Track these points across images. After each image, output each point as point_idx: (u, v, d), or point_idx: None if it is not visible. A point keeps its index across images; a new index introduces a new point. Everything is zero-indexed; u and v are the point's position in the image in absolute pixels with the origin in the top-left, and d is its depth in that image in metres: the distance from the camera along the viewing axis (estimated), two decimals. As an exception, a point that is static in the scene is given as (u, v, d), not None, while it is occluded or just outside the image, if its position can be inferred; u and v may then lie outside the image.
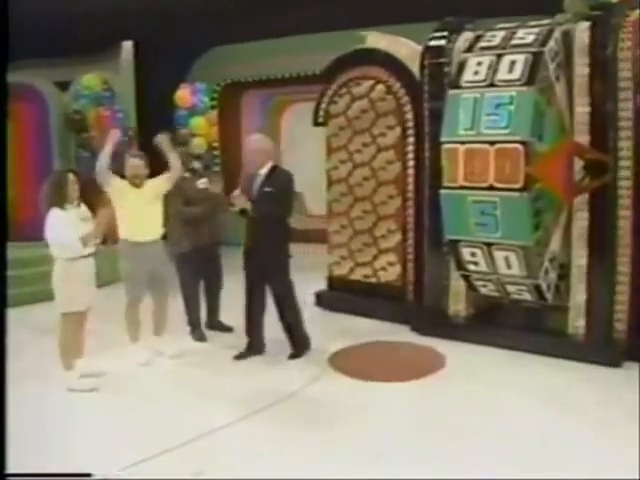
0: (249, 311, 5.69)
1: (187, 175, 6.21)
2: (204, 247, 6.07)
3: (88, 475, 3.59)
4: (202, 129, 10.50)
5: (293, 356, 5.70)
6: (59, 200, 4.89)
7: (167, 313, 5.86)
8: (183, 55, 10.96)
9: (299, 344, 5.75)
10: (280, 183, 5.47)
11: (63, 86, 9.86)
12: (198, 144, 10.43)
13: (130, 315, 5.67)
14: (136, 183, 5.58)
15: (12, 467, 3.48)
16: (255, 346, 5.74)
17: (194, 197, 6.04)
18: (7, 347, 4.20)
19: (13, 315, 5.45)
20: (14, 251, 6.28)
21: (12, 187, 8.20)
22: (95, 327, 5.38)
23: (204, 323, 6.43)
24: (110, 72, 10.22)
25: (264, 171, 5.49)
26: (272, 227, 5.44)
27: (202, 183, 6.23)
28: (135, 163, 5.62)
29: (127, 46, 10.73)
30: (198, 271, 6.20)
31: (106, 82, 9.92)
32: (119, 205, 5.52)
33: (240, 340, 5.81)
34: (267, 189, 5.41)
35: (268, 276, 5.57)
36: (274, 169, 5.52)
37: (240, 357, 5.69)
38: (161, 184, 5.71)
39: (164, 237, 5.90)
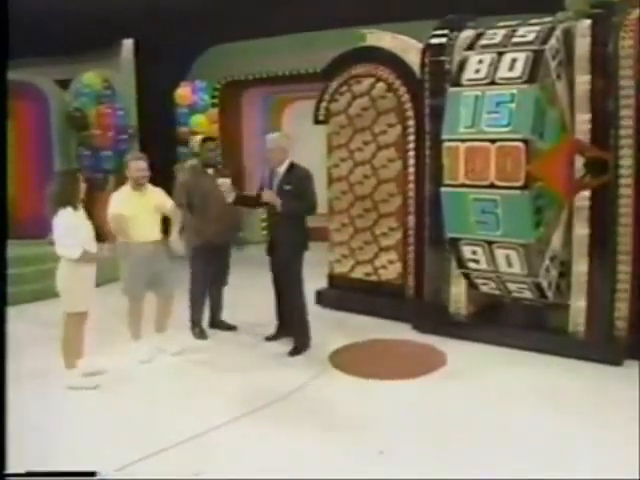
0: (276, 300, 6.00)
1: (210, 171, 6.20)
2: (216, 244, 6.07)
3: (91, 474, 3.59)
4: (202, 127, 10.48)
5: (293, 352, 5.72)
6: (72, 199, 4.90)
7: (171, 312, 5.85)
8: (184, 53, 10.94)
9: (301, 340, 5.80)
10: (298, 180, 5.60)
11: (64, 84, 9.85)
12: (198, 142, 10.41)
13: (133, 313, 5.69)
14: (140, 185, 5.58)
15: (12, 467, 3.48)
16: (284, 330, 6.01)
17: (211, 194, 6.02)
18: (7, 345, 4.20)
19: (13, 313, 5.46)
20: (14, 249, 6.29)
21: (13, 185, 8.22)
22: (96, 325, 5.38)
23: (207, 322, 6.42)
24: (111, 70, 10.21)
25: (282, 169, 5.66)
26: (291, 223, 5.61)
27: (223, 182, 6.21)
28: (140, 166, 5.61)
29: (128, 44, 10.72)
30: (208, 267, 6.19)
31: (107, 80, 9.91)
32: (121, 208, 5.52)
33: (243, 337, 5.83)
34: (286, 187, 5.57)
35: (284, 267, 5.74)
36: (292, 167, 5.67)
37: (271, 339, 6.04)
38: (163, 200, 5.74)
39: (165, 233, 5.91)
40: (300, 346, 5.76)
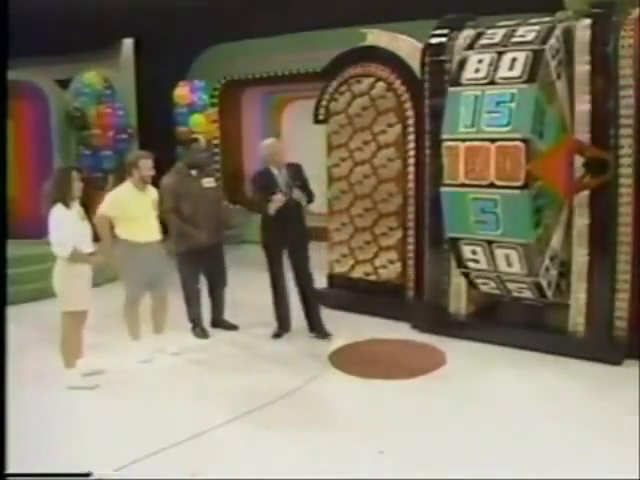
0: (277, 296, 6.18)
1: (193, 173, 6.19)
2: (206, 246, 6.05)
3: (87, 475, 3.59)
4: (201, 126, 10.49)
5: (326, 335, 6.11)
6: (64, 197, 4.89)
7: (167, 312, 5.85)
8: (184, 52, 10.96)
9: (317, 324, 6.19)
10: (300, 175, 6.10)
11: (64, 84, 9.85)
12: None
13: (129, 313, 5.68)
14: (146, 183, 5.60)
15: (12, 467, 3.48)
16: (285, 325, 6.23)
17: (197, 195, 6.02)
18: (7, 345, 4.19)
19: (13, 313, 5.45)
20: (14, 249, 6.27)
21: (12, 185, 8.20)
22: (95, 325, 5.38)
23: (209, 322, 6.43)
24: (111, 69, 10.22)
25: (284, 169, 6.03)
26: (302, 216, 6.15)
27: (207, 182, 6.22)
28: (150, 164, 5.64)
29: (128, 43, 10.73)
30: (198, 269, 6.20)
31: (107, 79, 9.91)
32: (121, 208, 5.51)
33: (242, 337, 5.82)
34: (297, 183, 6.00)
35: (296, 254, 6.12)
36: (289, 165, 6.08)
37: (278, 335, 6.15)
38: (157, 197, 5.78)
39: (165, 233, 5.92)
40: (325, 333, 6.13)
